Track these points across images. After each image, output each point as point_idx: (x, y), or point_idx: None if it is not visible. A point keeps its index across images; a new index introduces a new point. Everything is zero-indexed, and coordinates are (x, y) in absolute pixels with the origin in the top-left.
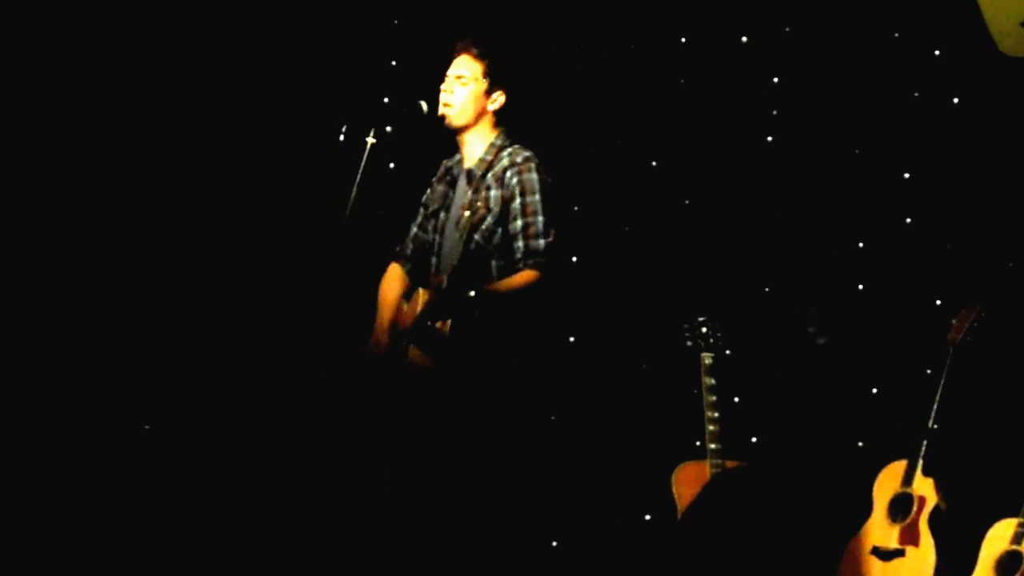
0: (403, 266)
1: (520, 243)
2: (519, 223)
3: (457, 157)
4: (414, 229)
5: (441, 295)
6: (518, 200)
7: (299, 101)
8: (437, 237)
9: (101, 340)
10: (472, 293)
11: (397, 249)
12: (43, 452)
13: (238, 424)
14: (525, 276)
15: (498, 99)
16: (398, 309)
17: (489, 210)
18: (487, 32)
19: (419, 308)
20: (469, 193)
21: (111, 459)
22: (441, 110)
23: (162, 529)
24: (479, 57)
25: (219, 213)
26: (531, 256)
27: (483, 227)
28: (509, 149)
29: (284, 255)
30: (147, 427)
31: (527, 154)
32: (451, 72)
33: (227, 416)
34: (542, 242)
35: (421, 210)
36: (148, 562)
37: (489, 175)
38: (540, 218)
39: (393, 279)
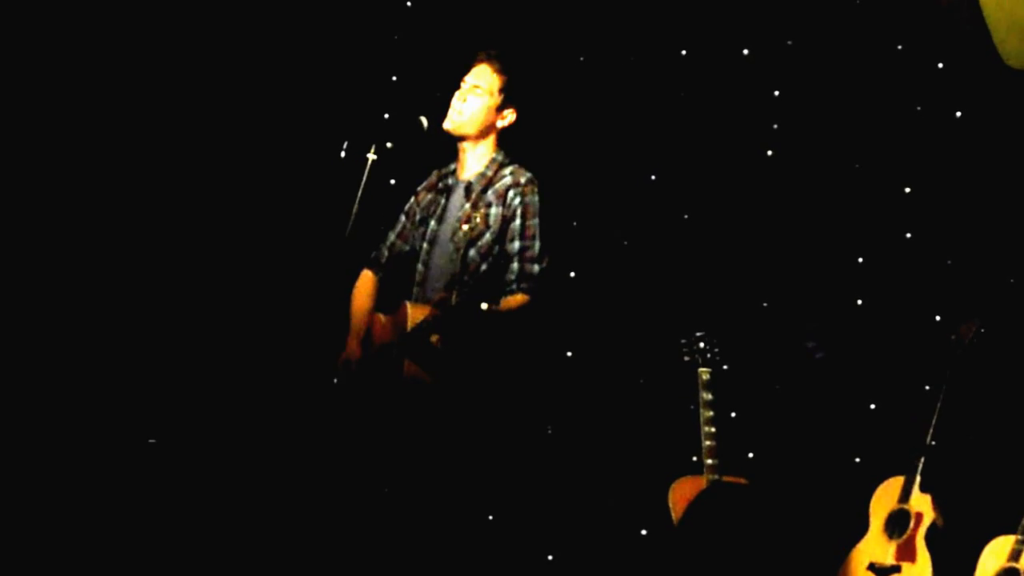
0: (376, 273)
1: (516, 265)
2: (517, 245)
3: (452, 167)
4: (392, 237)
5: (450, 311)
6: (518, 221)
7: (300, 117)
8: (425, 246)
9: (98, 350)
10: (484, 306)
11: (372, 255)
12: (45, 463)
13: (236, 435)
14: (518, 299)
15: (508, 117)
16: (371, 319)
17: (488, 227)
18: (495, 42)
19: (409, 322)
20: (467, 207)
21: (113, 471)
22: (449, 115)
23: (163, 538)
24: (500, 72)
25: (222, 229)
26: (525, 280)
27: (480, 243)
28: (511, 168)
29: (286, 271)
30: (151, 441)
31: (530, 175)
32: (468, 79)
33: (226, 427)
34: (536, 267)
35: (402, 218)
36: (148, 569)
37: (490, 191)
38: (537, 243)
39: (366, 287)
